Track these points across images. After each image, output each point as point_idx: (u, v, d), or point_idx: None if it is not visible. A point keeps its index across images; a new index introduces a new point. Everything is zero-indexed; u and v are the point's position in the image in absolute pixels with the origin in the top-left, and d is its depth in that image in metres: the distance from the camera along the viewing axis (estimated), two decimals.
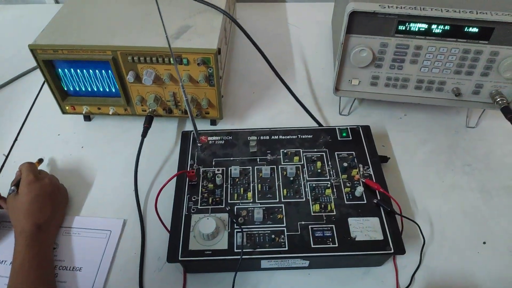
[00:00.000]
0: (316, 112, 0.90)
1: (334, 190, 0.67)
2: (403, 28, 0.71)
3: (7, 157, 0.82)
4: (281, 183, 0.69)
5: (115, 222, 0.71)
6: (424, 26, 0.70)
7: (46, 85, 0.95)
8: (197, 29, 0.75)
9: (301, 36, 1.10)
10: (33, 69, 1.00)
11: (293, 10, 1.20)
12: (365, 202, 0.66)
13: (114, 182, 0.77)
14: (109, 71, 0.73)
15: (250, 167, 0.71)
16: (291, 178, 0.69)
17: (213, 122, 0.87)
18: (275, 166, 0.71)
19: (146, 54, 0.70)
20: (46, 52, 0.71)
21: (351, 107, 0.89)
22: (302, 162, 0.71)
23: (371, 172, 0.70)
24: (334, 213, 0.65)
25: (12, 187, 0.68)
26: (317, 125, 0.83)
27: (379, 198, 0.66)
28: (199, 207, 0.66)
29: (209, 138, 0.76)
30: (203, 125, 0.88)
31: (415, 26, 0.71)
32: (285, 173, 0.70)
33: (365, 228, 0.63)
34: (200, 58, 0.70)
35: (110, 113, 0.81)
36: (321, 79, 0.98)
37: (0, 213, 0.72)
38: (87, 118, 0.87)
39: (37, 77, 0.98)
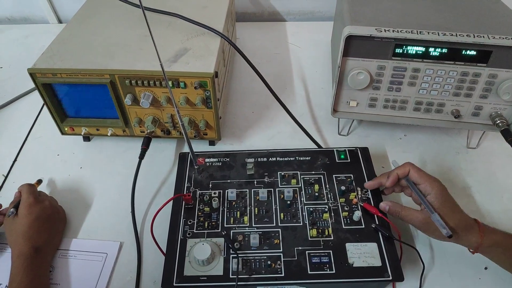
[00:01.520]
0: (315, 133, 0.90)
1: (332, 214, 0.67)
2: (400, 51, 0.71)
3: (6, 177, 0.83)
4: (278, 207, 0.68)
5: (111, 245, 0.71)
6: (421, 49, 0.70)
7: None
8: (194, 52, 0.76)
9: (301, 55, 1.11)
10: (34, 89, 1.01)
11: (293, 29, 1.21)
12: (363, 226, 0.65)
13: (112, 204, 0.77)
14: (107, 93, 0.74)
15: (247, 190, 0.70)
16: (288, 202, 0.68)
17: (212, 143, 0.87)
18: (272, 189, 0.70)
19: (143, 78, 0.71)
20: (45, 76, 0.71)
21: (350, 127, 0.89)
22: (300, 185, 0.71)
23: (370, 196, 0.69)
24: (332, 238, 0.64)
25: (12, 209, 0.68)
26: (316, 146, 0.83)
27: (377, 222, 0.66)
28: (194, 231, 0.65)
29: (206, 160, 0.76)
30: (202, 146, 0.88)
31: (412, 49, 0.71)
32: (282, 196, 0.69)
33: (363, 254, 0.62)
34: (197, 82, 0.71)
35: (109, 134, 0.81)
36: (320, 99, 0.98)
37: None
38: (87, 138, 0.88)
39: (39, 97, 0.99)
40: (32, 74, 0.71)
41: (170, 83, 0.71)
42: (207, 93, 0.73)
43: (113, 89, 0.72)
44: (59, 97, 0.76)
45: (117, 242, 0.71)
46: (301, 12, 1.24)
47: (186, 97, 0.73)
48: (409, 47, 0.71)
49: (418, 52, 0.71)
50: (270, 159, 0.75)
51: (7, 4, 1.24)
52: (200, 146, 0.87)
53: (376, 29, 0.70)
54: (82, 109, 0.79)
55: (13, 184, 0.81)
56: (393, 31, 0.69)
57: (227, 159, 0.76)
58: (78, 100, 0.77)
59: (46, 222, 0.68)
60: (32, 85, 0.99)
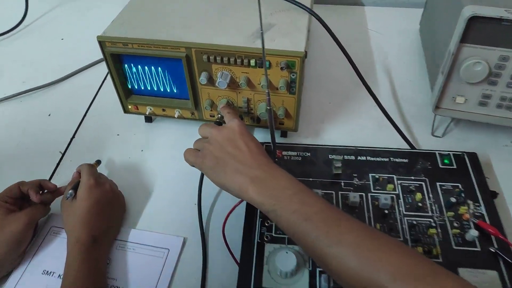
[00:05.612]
0: (403, 131, 0.78)
1: (439, 230, 0.55)
2: None
3: (63, 155, 0.77)
4: (371, 215, 0.57)
5: (174, 240, 0.63)
6: None
7: (107, 81, 0.91)
8: (280, 28, 0.66)
9: (383, 43, 0.98)
10: (95, 63, 0.95)
11: (373, 14, 1.08)
12: (479, 249, 0.54)
13: (175, 193, 0.70)
14: (181, 70, 0.65)
15: (333, 192, 0.60)
16: (386, 211, 0.57)
17: (284, 134, 0.78)
18: (363, 194, 0.60)
19: (224, 54, 0.62)
20: (115, 45, 0.64)
21: (447, 127, 0.77)
22: (397, 192, 0.60)
23: (483, 212, 0.57)
24: (440, 260, 0.53)
25: (70, 191, 0.61)
26: (409, 147, 0.71)
27: (496, 245, 0.54)
28: (273, 234, 0.56)
29: (284, 153, 0.66)
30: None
31: None
32: (376, 203, 0.59)
33: (480, 283, 0.51)
34: (284, 62, 0.61)
35: (176, 116, 0.73)
36: (408, 93, 0.86)
37: (49, 216, 0.66)
38: (149, 119, 0.80)
39: (99, 72, 0.94)
40: (101, 42, 0.64)
41: (253, 61, 0.62)
42: (293, 75, 0.63)
43: (188, 65, 0.64)
44: (127, 70, 0.69)
45: (180, 238, 0.63)
46: None
47: (269, 79, 0.64)
48: None
49: None
50: (359, 157, 0.65)
51: None
52: (269, 137, 0.78)
53: (506, 10, 0.57)
54: (149, 86, 0.71)
55: (70, 162, 0.76)
56: None
57: (307, 154, 0.66)
58: (147, 75, 0.69)
59: (106, 207, 0.61)
60: (94, 59, 0.95)
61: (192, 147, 0.60)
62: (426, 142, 0.76)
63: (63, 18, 1.13)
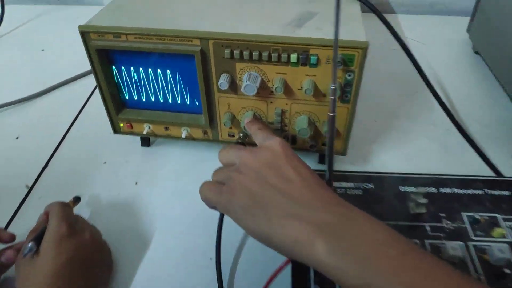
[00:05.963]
0: (472, 153, 0.61)
1: None
2: None
3: (30, 189, 0.58)
4: (482, 276, 0.38)
5: None
6: None
7: (94, 96, 0.74)
8: (325, 16, 0.50)
9: (427, 54, 0.83)
10: (81, 76, 0.78)
11: (408, 23, 0.94)
12: None
13: (183, 244, 0.50)
14: (192, 71, 0.48)
15: (417, 241, 0.42)
16: (503, 269, 0.39)
17: (321, 159, 0.60)
18: (462, 243, 0.41)
19: (253, 47, 0.45)
20: (103, 37, 0.47)
21: None
22: (510, 239, 0.41)
23: None
24: None
25: (30, 243, 0.41)
26: (495, 175, 0.54)
27: None
28: None
29: (336, 184, 0.48)
30: (307, 162, 0.60)
31: None
32: (486, 257, 0.40)
33: None
34: (339, 56, 0.44)
35: (183, 136, 0.55)
36: (470, 109, 0.69)
37: (2, 279, 0.46)
38: (146, 141, 0.62)
39: (85, 86, 0.76)
40: (84, 33, 0.47)
41: (294, 56, 0.45)
42: (349, 75, 0.46)
43: (203, 63, 0.47)
44: (119, 74, 0.51)
45: None
46: (417, 3, 0.97)
47: (313, 82, 0.47)
48: None
49: None
50: (441, 189, 0.47)
51: None
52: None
53: None
54: (148, 96, 0.53)
55: (38, 200, 0.56)
56: None
57: (370, 186, 0.48)
58: (146, 80, 0.51)
59: (84, 267, 0.42)
60: (77, 72, 0.78)
61: (211, 179, 0.42)
62: (508, 168, 0.59)
63: (46, 27, 0.98)
